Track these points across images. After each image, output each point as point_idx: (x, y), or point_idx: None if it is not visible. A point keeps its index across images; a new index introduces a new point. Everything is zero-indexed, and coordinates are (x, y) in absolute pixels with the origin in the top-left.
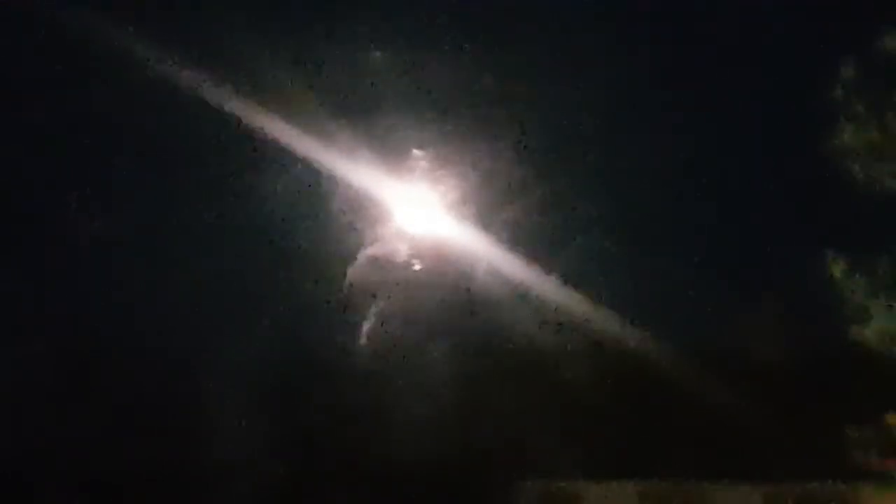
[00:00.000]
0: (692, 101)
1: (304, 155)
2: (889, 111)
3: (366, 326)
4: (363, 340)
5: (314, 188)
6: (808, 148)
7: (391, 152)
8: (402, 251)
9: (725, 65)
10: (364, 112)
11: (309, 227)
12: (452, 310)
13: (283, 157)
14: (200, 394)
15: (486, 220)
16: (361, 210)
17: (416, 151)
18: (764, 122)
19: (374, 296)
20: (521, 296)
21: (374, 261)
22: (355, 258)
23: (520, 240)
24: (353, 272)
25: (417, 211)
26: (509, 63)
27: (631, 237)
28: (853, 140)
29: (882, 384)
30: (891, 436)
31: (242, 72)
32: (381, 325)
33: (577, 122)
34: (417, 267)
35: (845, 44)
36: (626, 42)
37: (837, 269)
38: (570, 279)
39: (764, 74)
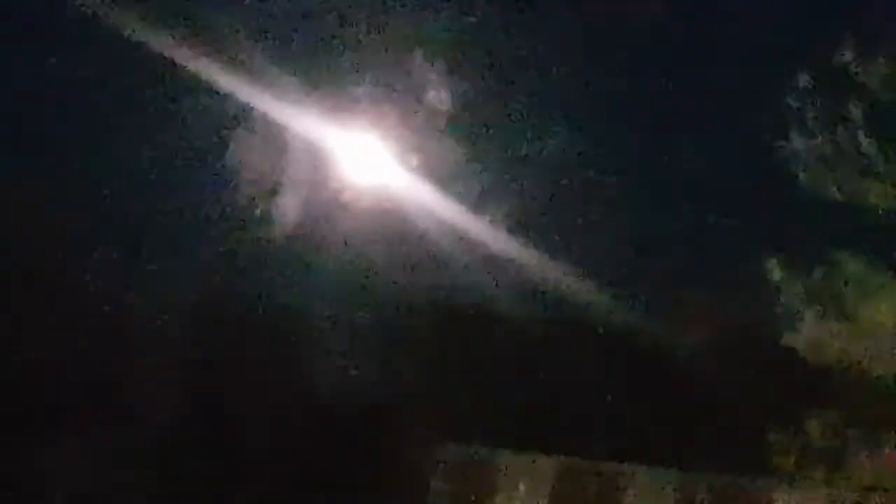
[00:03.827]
0: (647, 99)
1: (253, 105)
2: (838, 122)
3: (309, 278)
4: (303, 292)
5: (263, 136)
6: (758, 152)
7: (340, 100)
8: (348, 202)
9: (683, 66)
10: (311, 57)
11: (254, 179)
12: (395, 263)
13: (230, 104)
14: (132, 340)
15: (436, 173)
16: (309, 161)
17: (365, 99)
18: (717, 124)
19: (317, 248)
20: (467, 252)
21: (319, 211)
22: (300, 210)
23: (470, 194)
24: (296, 223)
25: (366, 161)
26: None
27: (578, 209)
28: (802, 148)
29: (807, 391)
30: (809, 442)
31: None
32: (324, 277)
33: (535, 77)
34: (363, 219)
35: (801, 53)
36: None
37: (775, 273)
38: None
39: (721, 78)
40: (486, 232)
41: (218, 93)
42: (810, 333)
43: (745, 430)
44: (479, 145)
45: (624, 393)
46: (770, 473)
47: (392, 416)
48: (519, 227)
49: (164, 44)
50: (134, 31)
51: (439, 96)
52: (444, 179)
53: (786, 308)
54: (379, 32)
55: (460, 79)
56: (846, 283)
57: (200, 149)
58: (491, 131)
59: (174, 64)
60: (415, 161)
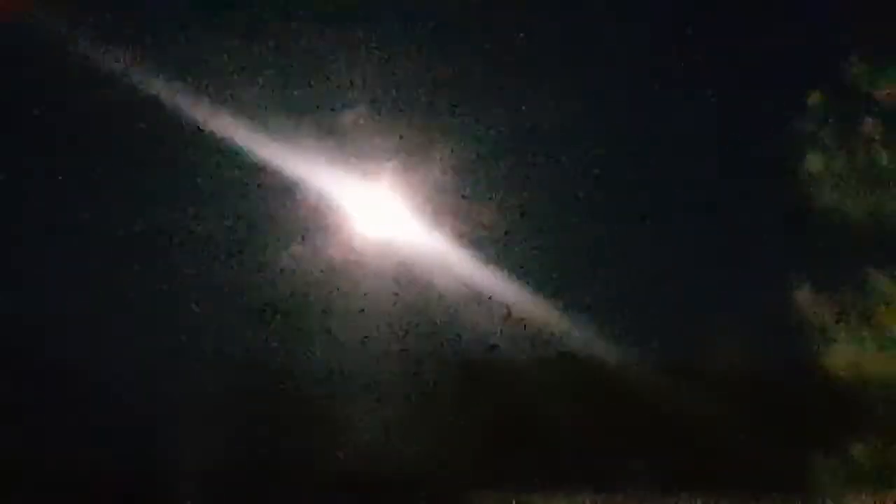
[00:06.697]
0: (661, 127)
1: (261, 156)
2: (854, 140)
3: (320, 334)
4: (317, 348)
5: (270, 190)
6: (775, 175)
7: (352, 152)
8: (361, 255)
9: (694, 91)
10: (324, 109)
11: (263, 230)
12: (411, 315)
13: (239, 158)
14: (151, 399)
15: (450, 224)
16: (319, 212)
17: (378, 152)
18: (731, 147)
19: (328, 302)
20: (484, 302)
21: (331, 265)
22: (312, 263)
23: (485, 244)
24: (309, 277)
25: (379, 214)
26: (476, 63)
27: (596, 248)
28: (820, 169)
29: (848, 412)
30: (855, 465)
31: (197, 67)
32: (336, 331)
33: (547, 126)
34: (376, 271)
35: (813, 73)
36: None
37: (802, 295)
38: (536, 285)
39: (732, 101)
40: (503, 284)
41: (230, 150)
42: (843, 352)
43: (784, 455)
44: (496, 196)
45: (662, 424)
46: (813, 498)
47: (427, 467)
48: (535, 269)
49: (172, 97)
50: (143, 85)
51: (457, 146)
52: (461, 235)
53: (817, 328)
54: (394, 85)
55: (480, 127)
56: (876, 299)
57: (210, 205)
58: (508, 180)
59: (182, 119)
60: (430, 215)
